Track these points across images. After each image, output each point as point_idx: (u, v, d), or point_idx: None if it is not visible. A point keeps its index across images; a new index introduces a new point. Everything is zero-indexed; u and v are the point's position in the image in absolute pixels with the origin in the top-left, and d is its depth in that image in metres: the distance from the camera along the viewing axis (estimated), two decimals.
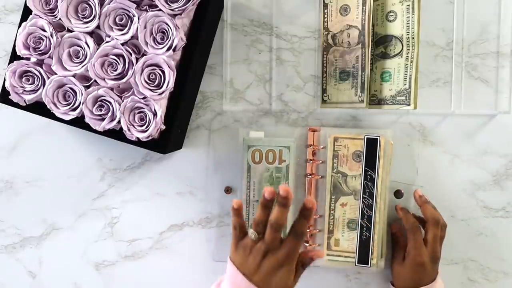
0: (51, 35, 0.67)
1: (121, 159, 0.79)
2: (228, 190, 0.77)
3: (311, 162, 0.74)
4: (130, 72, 0.66)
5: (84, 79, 0.69)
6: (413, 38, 0.69)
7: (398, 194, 0.74)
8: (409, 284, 0.69)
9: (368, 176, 0.71)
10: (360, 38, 0.71)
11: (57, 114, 0.69)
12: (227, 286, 0.61)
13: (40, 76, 0.69)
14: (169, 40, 0.65)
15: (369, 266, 0.72)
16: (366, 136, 0.71)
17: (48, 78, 0.68)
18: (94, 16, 0.67)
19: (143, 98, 0.67)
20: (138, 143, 0.69)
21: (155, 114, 0.67)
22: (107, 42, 0.67)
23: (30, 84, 0.69)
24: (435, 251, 0.69)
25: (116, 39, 0.67)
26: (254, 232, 0.60)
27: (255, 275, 0.60)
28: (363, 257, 0.72)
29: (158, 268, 0.79)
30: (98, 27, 0.67)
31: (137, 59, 0.67)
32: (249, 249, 0.61)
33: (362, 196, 0.72)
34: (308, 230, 0.74)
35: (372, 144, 0.71)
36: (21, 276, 0.81)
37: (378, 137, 0.71)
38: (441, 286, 0.69)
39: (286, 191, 0.58)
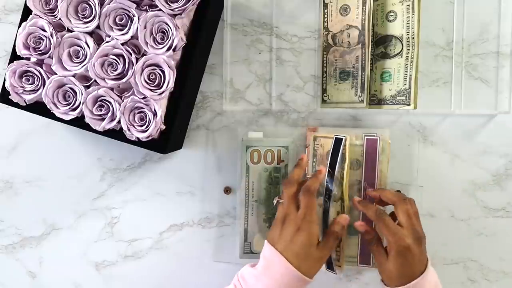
0: (51, 35, 0.67)
1: (121, 159, 0.79)
2: (227, 190, 0.77)
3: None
4: (130, 72, 0.66)
5: (84, 79, 0.69)
6: (413, 38, 0.69)
7: None
8: (401, 278, 0.62)
9: (330, 175, 0.68)
10: (360, 38, 0.71)
11: (57, 114, 0.69)
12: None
13: (40, 76, 0.69)
14: (169, 40, 0.65)
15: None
16: (335, 136, 0.69)
17: (48, 78, 0.68)
18: (94, 16, 0.67)
19: (143, 98, 0.67)
20: (138, 143, 0.68)
21: (155, 114, 0.67)
22: (107, 42, 0.67)
23: (30, 84, 0.69)
24: (415, 229, 0.62)
25: (116, 39, 0.67)
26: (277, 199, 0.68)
27: (278, 243, 0.63)
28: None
29: (158, 268, 0.79)
30: (98, 27, 0.67)
31: (137, 59, 0.67)
32: (274, 221, 0.66)
33: (324, 199, 0.68)
34: None
35: (337, 144, 0.69)
36: (21, 276, 0.81)
37: (344, 137, 0.69)
38: (433, 275, 0.64)
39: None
